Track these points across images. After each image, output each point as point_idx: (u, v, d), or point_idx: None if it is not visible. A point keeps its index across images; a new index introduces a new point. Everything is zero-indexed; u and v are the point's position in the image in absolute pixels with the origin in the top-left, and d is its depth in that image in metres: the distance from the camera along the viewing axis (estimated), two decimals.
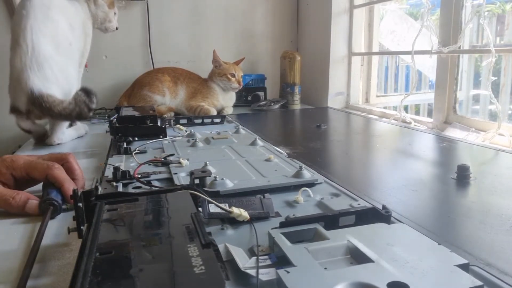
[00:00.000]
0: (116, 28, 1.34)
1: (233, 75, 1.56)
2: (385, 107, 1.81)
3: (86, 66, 1.48)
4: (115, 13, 1.31)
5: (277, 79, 1.90)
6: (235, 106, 1.68)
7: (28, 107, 1.02)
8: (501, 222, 0.55)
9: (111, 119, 1.03)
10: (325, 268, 0.39)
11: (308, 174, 0.69)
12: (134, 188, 0.67)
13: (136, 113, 1.10)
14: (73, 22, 1.14)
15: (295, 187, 0.65)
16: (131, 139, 0.98)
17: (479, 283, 0.35)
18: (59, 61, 1.06)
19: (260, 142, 0.96)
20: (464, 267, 0.38)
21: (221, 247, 0.44)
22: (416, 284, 0.35)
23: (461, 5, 1.25)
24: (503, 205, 0.61)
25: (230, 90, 1.59)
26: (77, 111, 1.05)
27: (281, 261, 0.41)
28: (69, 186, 0.62)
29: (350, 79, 1.79)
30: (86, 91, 1.10)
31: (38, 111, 1.02)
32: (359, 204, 0.58)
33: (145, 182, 0.68)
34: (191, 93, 1.57)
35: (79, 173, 0.69)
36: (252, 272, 0.39)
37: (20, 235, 0.57)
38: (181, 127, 1.15)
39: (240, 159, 0.82)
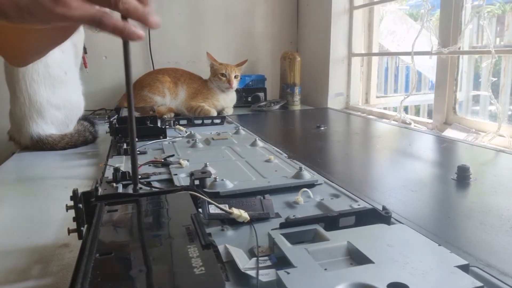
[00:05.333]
0: None
1: (224, 75, 1.56)
2: (385, 108, 1.81)
3: (86, 67, 1.48)
4: None
5: (277, 79, 1.90)
6: (235, 107, 1.68)
7: (27, 145, 1.08)
8: (501, 223, 0.55)
9: (111, 120, 1.03)
10: (325, 269, 0.39)
11: (308, 175, 0.68)
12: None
13: (136, 114, 1.10)
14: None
15: (295, 188, 0.65)
16: None
17: (479, 284, 0.35)
18: (57, 100, 1.09)
19: (260, 143, 0.96)
20: (464, 268, 0.38)
21: (221, 248, 0.44)
22: (416, 285, 0.35)
23: (461, 6, 1.25)
24: (503, 205, 0.61)
25: (224, 90, 1.59)
26: (81, 140, 1.12)
27: (281, 262, 0.41)
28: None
29: (350, 80, 1.79)
30: (89, 121, 1.20)
31: (41, 149, 1.07)
32: (359, 205, 0.58)
33: (145, 183, 0.68)
34: (191, 93, 1.57)
35: None
36: (252, 273, 0.39)
37: (19, 235, 0.57)
38: (181, 127, 1.15)
39: (240, 160, 0.82)
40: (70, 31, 0.50)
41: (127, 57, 0.47)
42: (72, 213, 0.45)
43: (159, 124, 1.05)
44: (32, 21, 0.39)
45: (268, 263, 0.42)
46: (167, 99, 1.54)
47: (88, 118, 1.23)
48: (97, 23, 0.41)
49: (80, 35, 1.23)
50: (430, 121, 1.39)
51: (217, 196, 0.60)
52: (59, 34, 0.51)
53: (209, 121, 1.32)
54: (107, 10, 0.42)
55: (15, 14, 0.38)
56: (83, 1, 0.40)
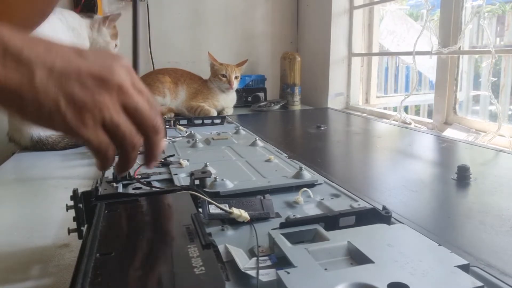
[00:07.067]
0: None
1: (224, 76, 1.56)
2: (385, 108, 1.81)
3: None
4: (116, 45, 1.29)
5: (277, 80, 1.90)
6: (235, 107, 1.68)
7: (27, 146, 1.07)
8: (501, 223, 0.55)
9: None
10: (326, 269, 0.39)
11: (308, 174, 0.68)
12: (134, 189, 0.67)
13: None
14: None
15: (295, 188, 0.65)
16: None
17: (479, 284, 0.35)
18: None
19: (260, 143, 0.96)
20: (465, 268, 0.38)
21: (221, 248, 0.44)
22: (416, 285, 0.35)
23: (461, 6, 1.25)
24: (503, 205, 0.61)
25: (224, 91, 1.59)
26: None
27: (282, 262, 0.41)
28: None
29: (350, 80, 1.79)
30: None
31: (41, 150, 1.07)
32: (359, 204, 0.57)
33: (145, 182, 0.68)
34: (191, 93, 1.57)
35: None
36: (252, 273, 0.39)
37: (19, 235, 0.57)
38: (181, 127, 1.15)
39: (240, 160, 0.82)
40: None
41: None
42: (72, 213, 0.45)
43: None
44: (42, 123, 0.35)
45: (268, 263, 0.42)
46: (167, 99, 1.54)
47: None
48: (102, 155, 0.39)
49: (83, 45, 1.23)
50: (430, 121, 1.39)
51: (217, 196, 0.60)
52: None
53: (209, 121, 1.32)
54: None
55: (38, 113, 0.33)
56: (101, 126, 0.36)
